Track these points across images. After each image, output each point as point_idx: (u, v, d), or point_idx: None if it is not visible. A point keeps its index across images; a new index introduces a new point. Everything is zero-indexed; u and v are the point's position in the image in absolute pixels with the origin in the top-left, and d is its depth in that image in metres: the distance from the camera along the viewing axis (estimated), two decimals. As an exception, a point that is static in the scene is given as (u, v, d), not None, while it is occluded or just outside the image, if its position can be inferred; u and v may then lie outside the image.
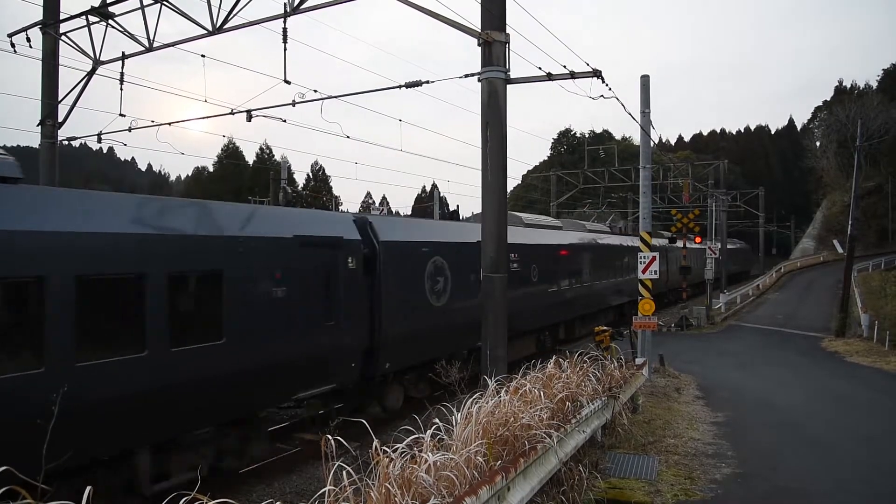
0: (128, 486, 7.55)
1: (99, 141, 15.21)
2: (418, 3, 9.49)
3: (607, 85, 10.49)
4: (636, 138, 27.97)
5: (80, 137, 16.69)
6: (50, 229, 6.61)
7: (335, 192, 69.69)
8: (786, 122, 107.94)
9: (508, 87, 9.98)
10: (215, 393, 8.21)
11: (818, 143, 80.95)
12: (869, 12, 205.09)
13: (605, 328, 15.24)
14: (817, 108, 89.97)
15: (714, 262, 31.42)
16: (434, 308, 13.13)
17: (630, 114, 13.70)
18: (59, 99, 14.07)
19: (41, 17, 13.64)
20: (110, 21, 12.78)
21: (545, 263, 18.71)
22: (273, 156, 64.05)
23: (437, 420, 5.60)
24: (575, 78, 10.18)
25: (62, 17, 13.54)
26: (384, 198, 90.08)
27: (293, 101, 12.31)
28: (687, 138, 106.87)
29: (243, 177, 62.33)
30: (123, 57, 13.21)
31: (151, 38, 12.44)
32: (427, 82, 10.97)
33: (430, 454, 4.83)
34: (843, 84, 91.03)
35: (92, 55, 13.44)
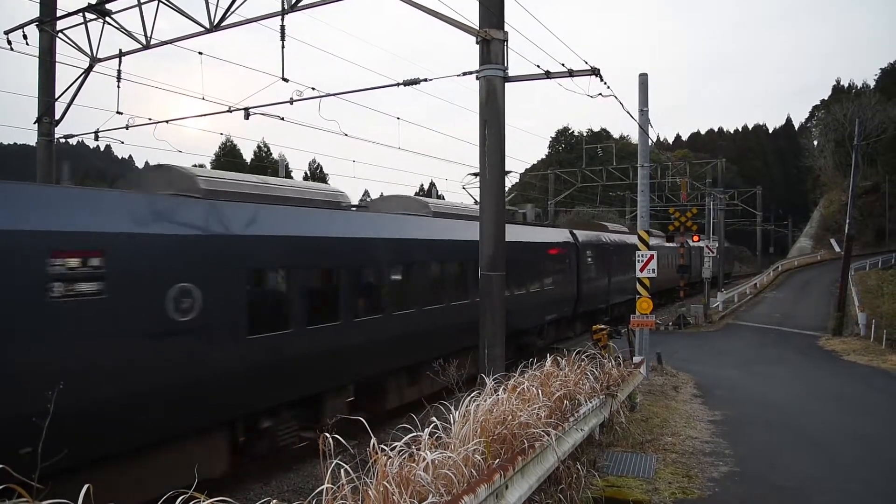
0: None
1: (96, 139, 15.16)
2: (417, 1, 9.47)
3: (605, 83, 10.47)
4: (634, 137, 27.56)
5: (77, 135, 16.63)
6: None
7: (333, 190, 69.54)
8: (783, 122, 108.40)
9: (507, 85, 9.97)
10: None
11: (816, 143, 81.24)
12: (867, 12, 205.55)
13: (602, 326, 15.26)
14: (815, 108, 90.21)
15: (712, 260, 31.44)
16: None
17: (628, 112, 13.70)
18: (56, 96, 14.01)
19: (38, 14, 13.58)
20: (107, 18, 12.71)
21: (324, 272, 10.78)
22: (271, 154, 63.95)
23: (434, 418, 5.60)
24: (573, 76, 10.16)
25: (59, 14, 13.48)
26: (382, 196, 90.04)
27: (291, 98, 12.28)
28: (685, 137, 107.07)
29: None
30: (120, 54, 13.15)
31: (148, 35, 12.38)
32: (425, 80, 10.95)
33: (428, 452, 4.82)
34: (841, 83, 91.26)
35: (89, 52, 13.38)
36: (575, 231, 23.25)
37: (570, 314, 21.61)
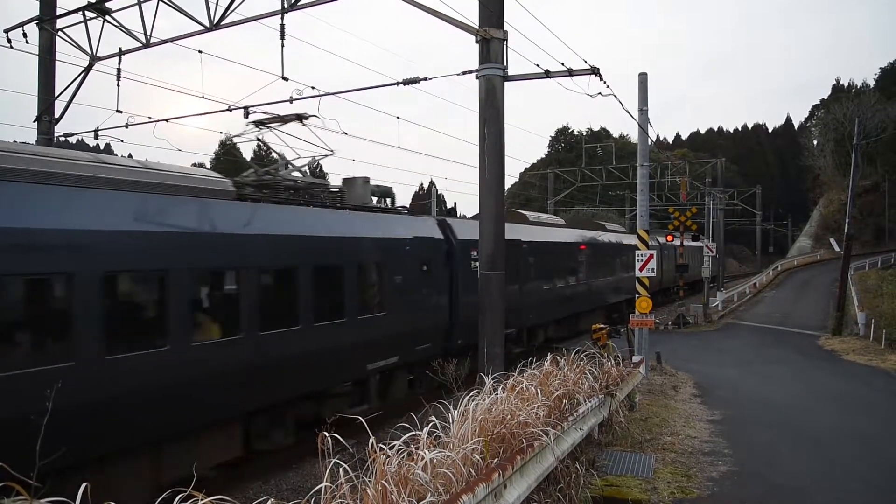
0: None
1: (96, 137, 15.19)
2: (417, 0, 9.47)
3: (605, 82, 10.48)
4: (634, 136, 26.87)
5: (76, 133, 16.60)
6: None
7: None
8: (783, 121, 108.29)
9: (506, 84, 9.98)
10: None
11: (815, 142, 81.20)
12: (867, 11, 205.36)
13: (602, 325, 15.26)
14: (815, 107, 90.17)
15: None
16: None
17: (628, 111, 13.71)
18: (56, 95, 14.01)
19: (38, 13, 13.58)
20: (107, 17, 12.72)
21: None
22: (271, 152, 63.89)
23: (433, 418, 5.60)
24: (573, 75, 10.17)
25: (59, 12, 13.48)
26: None
27: (291, 97, 12.31)
28: (684, 136, 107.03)
29: (241, 174, 62.03)
30: (120, 53, 13.16)
31: (148, 34, 12.39)
32: (425, 79, 10.95)
33: (426, 451, 4.83)
34: (841, 82, 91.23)
35: (89, 51, 13.39)
36: (452, 222, 15.30)
37: (439, 350, 13.36)
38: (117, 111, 13.91)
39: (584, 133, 77.94)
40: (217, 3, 11.45)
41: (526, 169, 77.61)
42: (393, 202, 15.87)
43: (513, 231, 16.81)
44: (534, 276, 18.75)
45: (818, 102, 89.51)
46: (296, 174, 12.89)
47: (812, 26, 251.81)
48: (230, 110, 13.55)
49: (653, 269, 14.83)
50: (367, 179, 13.90)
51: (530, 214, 22.14)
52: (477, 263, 14.48)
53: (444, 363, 9.75)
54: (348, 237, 11.58)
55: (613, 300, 26.53)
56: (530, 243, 18.39)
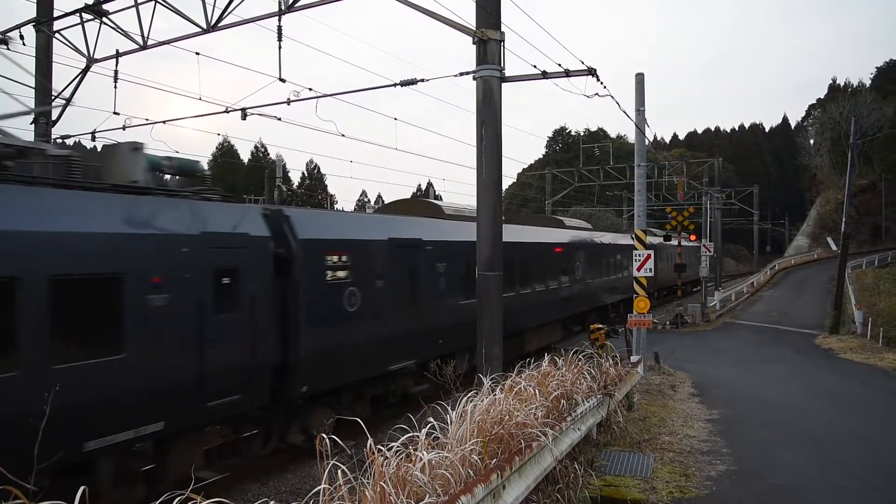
0: None
1: (93, 139, 15.14)
2: (414, 1, 9.48)
3: (602, 83, 10.49)
4: (631, 136, 26.85)
5: (74, 136, 16.64)
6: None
7: (330, 190, 69.54)
8: (780, 120, 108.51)
9: (504, 85, 9.98)
10: None
11: (812, 141, 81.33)
12: (863, 10, 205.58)
13: (600, 326, 15.26)
14: (811, 106, 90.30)
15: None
16: None
17: (625, 112, 13.70)
18: (53, 97, 14.00)
19: (35, 15, 13.56)
20: (104, 19, 12.72)
21: None
22: (268, 154, 63.96)
23: (431, 419, 5.61)
24: (570, 76, 10.18)
25: (56, 14, 13.46)
26: (379, 196, 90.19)
27: (288, 99, 12.30)
28: (682, 136, 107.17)
29: (238, 176, 62.13)
30: (117, 55, 13.16)
31: (145, 35, 12.39)
32: (422, 80, 10.95)
33: (424, 452, 4.84)
34: (837, 82, 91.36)
35: (86, 53, 13.38)
36: (294, 214, 10.37)
37: (260, 401, 9.15)
38: (114, 113, 13.91)
39: (582, 133, 78.00)
40: (214, 5, 11.46)
41: (524, 169, 77.65)
42: (197, 182, 10.04)
43: (413, 227, 13.36)
44: (444, 289, 13.65)
45: (815, 102, 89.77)
46: None
47: (809, 26, 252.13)
48: (227, 112, 13.56)
49: (650, 269, 14.85)
50: (137, 146, 8.94)
51: (446, 206, 16.98)
52: (339, 272, 10.63)
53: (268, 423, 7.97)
54: (33, 231, 6.59)
55: (570, 312, 21.25)
56: (438, 244, 13.48)
